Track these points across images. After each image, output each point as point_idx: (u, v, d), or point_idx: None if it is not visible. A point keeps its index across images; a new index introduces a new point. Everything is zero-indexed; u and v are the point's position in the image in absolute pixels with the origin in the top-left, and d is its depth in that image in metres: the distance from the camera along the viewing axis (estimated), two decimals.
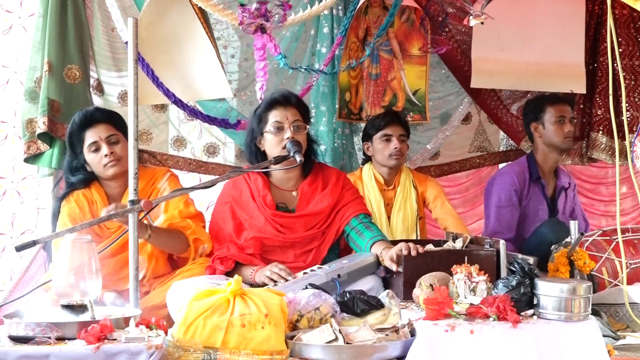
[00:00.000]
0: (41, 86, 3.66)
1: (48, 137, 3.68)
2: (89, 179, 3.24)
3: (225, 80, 3.90)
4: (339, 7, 4.16)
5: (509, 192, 3.86)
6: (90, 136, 3.18)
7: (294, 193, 3.21)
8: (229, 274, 3.00)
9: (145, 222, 2.97)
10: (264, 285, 2.91)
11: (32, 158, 3.73)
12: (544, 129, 3.95)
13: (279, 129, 3.08)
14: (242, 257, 3.09)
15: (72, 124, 3.22)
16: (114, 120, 3.26)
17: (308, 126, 3.17)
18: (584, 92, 4.34)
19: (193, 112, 3.98)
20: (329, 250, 3.20)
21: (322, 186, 3.20)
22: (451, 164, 4.62)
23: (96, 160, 3.18)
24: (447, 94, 4.51)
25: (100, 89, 3.94)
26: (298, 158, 2.98)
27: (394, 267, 2.87)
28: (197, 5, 3.65)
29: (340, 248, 3.30)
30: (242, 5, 3.13)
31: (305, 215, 3.14)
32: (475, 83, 4.31)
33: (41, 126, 3.62)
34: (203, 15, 3.78)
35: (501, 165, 4.79)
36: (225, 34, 4.10)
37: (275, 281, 2.91)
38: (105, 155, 3.15)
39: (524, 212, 3.90)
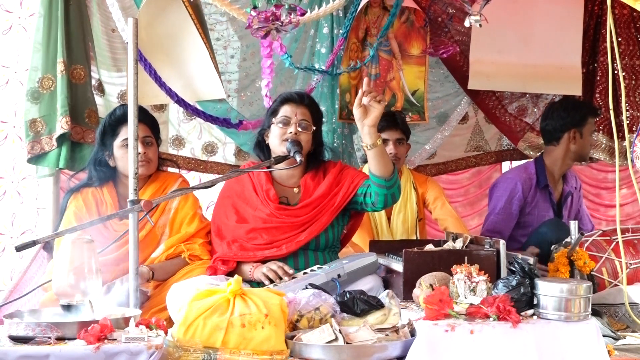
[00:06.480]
0: (56, 86, 3.63)
1: (60, 137, 3.65)
2: (107, 176, 3.25)
3: (218, 81, 3.89)
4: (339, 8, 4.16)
5: (508, 200, 3.80)
6: (126, 132, 3.15)
7: (295, 190, 3.21)
8: (230, 274, 2.99)
9: (144, 271, 3.01)
10: (262, 283, 2.92)
11: (36, 158, 3.70)
12: (582, 138, 3.85)
13: (285, 123, 3.11)
14: (244, 256, 3.08)
15: (110, 117, 3.25)
16: (151, 123, 3.31)
17: (314, 127, 3.17)
18: (580, 94, 4.35)
19: (195, 112, 3.99)
20: (329, 250, 3.19)
21: (323, 177, 3.21)
22: (447, 163, 4.63)
23: (126, 157, 3.14)
24: (445, 94, 4.51)
25: (101, 89, 3.94)
26: (298, 158, 3.00)
27: None
28: (190, 6, 3.66)
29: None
30: (255, 7, 3.10)
31: (308, 204, 3.13)
32: (472, 85, 4.32)
33: (64, 126, 3.59)
34: (197, 16, 3.78)
35: (504, 164, 4.81)
36: (225, 35, 4.10)
37: (271, 280, 2.91)
38: (138, 154, 3.12)
39: (528, 219, 3.84)
